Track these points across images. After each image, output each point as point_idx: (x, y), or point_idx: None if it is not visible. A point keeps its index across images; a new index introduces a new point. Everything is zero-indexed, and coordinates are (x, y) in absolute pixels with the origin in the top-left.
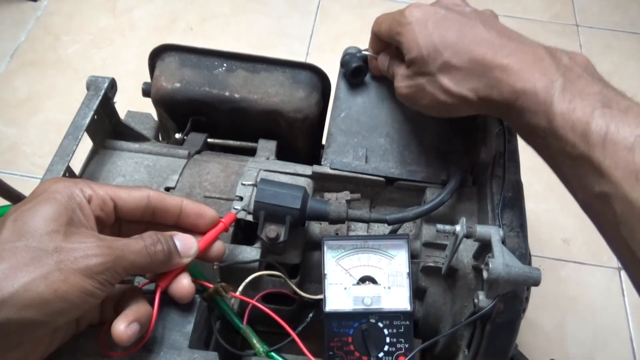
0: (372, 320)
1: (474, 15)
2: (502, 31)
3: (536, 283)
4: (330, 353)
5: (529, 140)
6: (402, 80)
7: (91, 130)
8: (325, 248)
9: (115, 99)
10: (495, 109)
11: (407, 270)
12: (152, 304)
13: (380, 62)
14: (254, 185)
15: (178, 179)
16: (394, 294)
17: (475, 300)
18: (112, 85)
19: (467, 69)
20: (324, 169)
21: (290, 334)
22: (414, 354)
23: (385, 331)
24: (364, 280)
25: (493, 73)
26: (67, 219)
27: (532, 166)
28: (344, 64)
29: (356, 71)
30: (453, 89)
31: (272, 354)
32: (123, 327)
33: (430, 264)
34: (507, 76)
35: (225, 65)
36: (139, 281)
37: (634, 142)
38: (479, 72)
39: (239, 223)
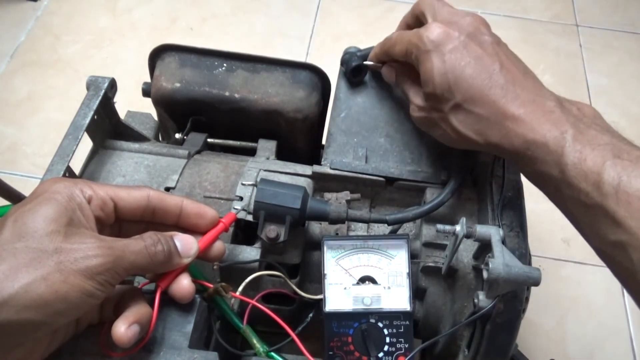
0: (372, 320)
1: (493, 50)
2: (517, 76)
3: (536, 283)
4: (330, 353)
5: (539, 186)
6: (418, 111)
7: (91, 130)
8: (325, 248)
9: (115, 99)
10: (504, 155)
11: (407, 270)
12: (152, 304)
13: (386, 75)
14: (254, 185)
15: (178, 179)
16: (393, 294)
17: (475, 300)
18: (112, 85)
19: (477, 115)
20: (324, 169)
21: (289, 334)
22: (413, 354)
23: (385, 331)
24: (363, 280)
25: (504, 122)
26: (67, 220)
27: None
28: (343, 62)
29: (356, 70)
30: (462, 131)
31: (272, 353)
32: (123, 328)
33: (430, 264)
34: (517, 127)
35: (225, 65)
36: (139, 281)
37: None
38: (490, 120)
39: (239, 223)
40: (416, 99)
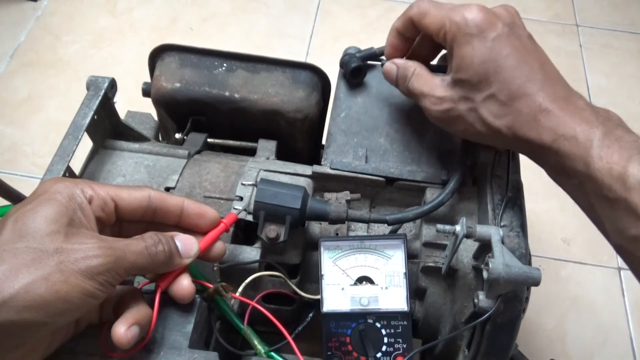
0: (370, 321)
1: (532, 46)
2: (553, 73)
3: (536, 283)
4: (329, 353)
5: (560, 181)
6: (438, 104)
7: (91, 130)
8: (322, 249)
9: (115, 99)
10: (528, 148)
11: (404, 271)
12: (152, 304)
13: (388, 74)
14: (254, 185)
15: (178, 179)
16: (391, 294)
17: (475, 300)
18: (112, 85)
19: (511, 106)
20: (324, 169)
21: (286, 337)
22: (411, 355)
23: (383, 331)
24: (361, 280)
25: (537, 116)
26: (68, 220)
27: (532, 166)
28: (343, 64)
29: (355, 71)
30: (492, 122)
31: (272, 353)
32: (123, 329)
33: (430, 264)
34: (549, 120)
35: (225, 65)
36: (139, 281)
37: None
38: (523, 112)
39: (238, 223)
40: (436, 90)
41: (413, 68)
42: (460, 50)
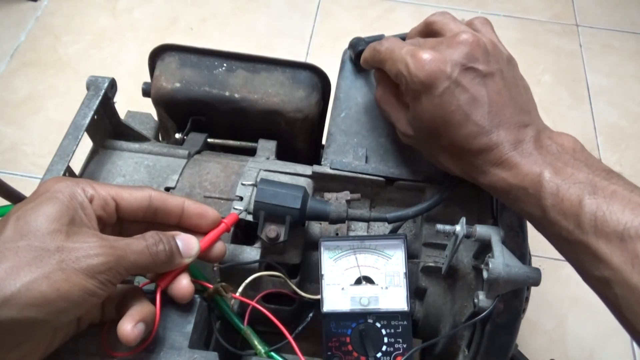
0: (370, 321)
1: (483, 90)
2: (504, 115)
3: (536, 283)
4: (329, 353)
5: (528, 220)
6: (404, 137)
7: (91, 130)
8: (322, 249)
9: (115, 99)
10: (491, 193)
11: (405, 270)
12: (153, 303)
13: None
14: (254, 185)
15: (178, 179)
16: (391, 294)
17: (475, 300)
18: (112, 85)
19: (462, 158)
20: (324, 169)
21: (287, 337)
22: (409, 354)
23: (383, 331)
24: (361, 280)
25: (485, 168)
26: (69, 219)
27: None
28: (351, 45)
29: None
30: (450, 168)
31: (272, 353)
32: (130, 327)
33: (430, 264)
34: (500, 172)
35: (225, 65)
36: (139, 281)
37: (623, 231)
38: (473, 164)
39: (239, 223)
40: (402, 126)
41: (380, 91)
42: (411, 103)
